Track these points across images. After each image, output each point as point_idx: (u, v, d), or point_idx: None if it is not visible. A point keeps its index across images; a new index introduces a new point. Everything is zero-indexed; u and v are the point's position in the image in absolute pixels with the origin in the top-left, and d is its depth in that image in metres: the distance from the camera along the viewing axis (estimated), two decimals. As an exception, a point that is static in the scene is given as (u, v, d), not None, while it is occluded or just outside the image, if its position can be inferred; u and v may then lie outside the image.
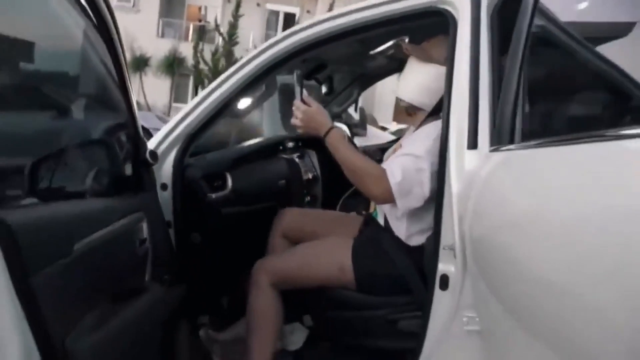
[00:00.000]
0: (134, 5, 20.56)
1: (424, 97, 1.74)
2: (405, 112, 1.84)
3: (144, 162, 1.59)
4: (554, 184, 0.95)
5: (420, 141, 1.63)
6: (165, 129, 1.83)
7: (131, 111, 1.52)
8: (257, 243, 1.99)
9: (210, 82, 16.86)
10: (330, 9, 18.94)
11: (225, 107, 1.81)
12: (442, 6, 1.59)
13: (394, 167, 1.59)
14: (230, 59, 18.59)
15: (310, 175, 2.53)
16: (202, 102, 1.81)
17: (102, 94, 1.56)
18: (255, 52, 1.83)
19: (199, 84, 19.24)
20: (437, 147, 1.52)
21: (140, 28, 19.07)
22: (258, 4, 22.05)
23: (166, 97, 19.91)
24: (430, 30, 1.76)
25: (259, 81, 1.83)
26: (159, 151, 1.74)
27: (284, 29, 22.31)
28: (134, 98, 1.58)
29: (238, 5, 18.59)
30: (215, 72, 18.52)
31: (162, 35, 21.10)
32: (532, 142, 1.22)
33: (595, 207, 0.78)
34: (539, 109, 1.45)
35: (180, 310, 1.56)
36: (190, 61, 19.14)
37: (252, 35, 20.81)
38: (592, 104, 1.35)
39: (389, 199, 1.59)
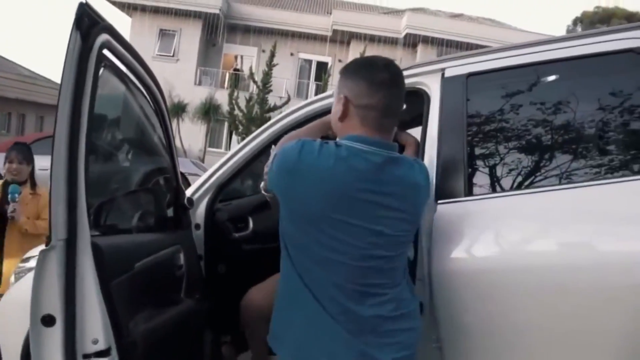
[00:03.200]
0: (173, 55, 21.73)
1: None
2: None
3: (183, 207, 2.03)
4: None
5: None
6: (200, 180, 2.28)
7: (175, 169, 1.98)
8: (271, 275, 2.39)
9: (244, 128, 17.39)
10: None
11: (249, 163, 2.25)
12: (419, 86, 2.02)
13: None
14: (264, 106, 19.32)
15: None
16: (231, 158, 2.25)
17: (157, 156, 2.03)
18: (275, 119, 2.28)
19: (234, 129, 19.96)
20: None
21: (178, 76, 20.10)
22: (291, 54, 23.00)
23: (201, 142, 20.68)
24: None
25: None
26: (195, 197, 2.19)
27: (316, 77, 23.20)
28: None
29: (272, 55, 19.47)
30: (249, 119, 19.23)
31: (199, 83, 22.10)
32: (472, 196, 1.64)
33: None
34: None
35: (206, 323, 1.97)
36: (225, 108, 19.89)
37: (285, 84, 21.67)
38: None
39: None
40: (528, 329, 1.64)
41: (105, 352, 1.22)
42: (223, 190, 2.29)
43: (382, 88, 1.33)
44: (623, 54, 1.73)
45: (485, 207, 1.77)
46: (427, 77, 2.01)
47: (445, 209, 1.75)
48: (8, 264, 3.30)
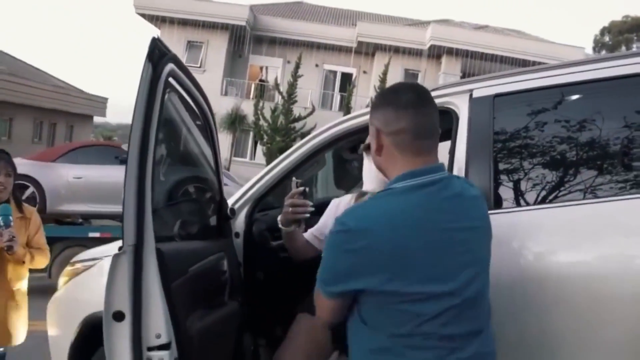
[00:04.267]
0: (200, 66, 22.17)
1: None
2: None
3: (226, 217, 2.19)
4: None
5: None
6: (240, 191, 2.43)
7: (220, 182, 2.14)
8: (307, 283, 2.52)
9: (269, 137, 17.59)
10: (386, 69, 19.81)
11: (285, 177, 2.40)
12: (448, 106, 2.14)
13: None
14: (289, 117, 19.58)
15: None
16: (268, 173, 2.41)
17: (205, 170, 2.19)
18: (309, 137, 2.43)
19: (259, 139, 20.25)
20: None
21: (205, 87, 20.15)
22: (316, 65, 23.27)
23: (227, 151, 21.04)
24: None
25: (311, 159, 2.42)
26: (235, 208, 2.34)
27: (341, 88, 23.42)
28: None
29: (297, 66, 19.74)
30: (274, 129, 19.51)
31: (225, 94, 22.50)
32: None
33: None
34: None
35: (246, 326, 2.12)
36: (250, 118, 20.19)
37: (310, 94, 21.92)
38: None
39: None
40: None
41: (166, 346, 1.38)
42: (261, 201, 2.44)
43: (409, 108, 1.30)
44: (637, 77, 1.84)
45: (510, 220, 1.88)
46: (456, 97, 2.13)
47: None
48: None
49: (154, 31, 22.86)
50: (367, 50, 22.63)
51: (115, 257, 1.33)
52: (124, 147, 8.70)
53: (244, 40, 22.51)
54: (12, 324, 2.75)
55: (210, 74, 21.97)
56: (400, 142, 1.30)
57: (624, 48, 32.28)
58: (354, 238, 1.19)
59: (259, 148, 21.10)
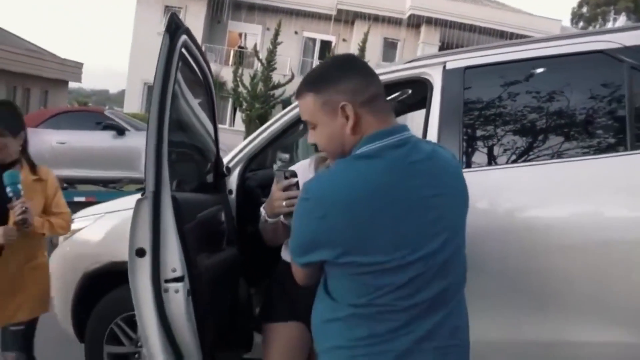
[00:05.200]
0: (179, 32, 21.92)
1: None
2: None
3: (222, 174, 2.41)
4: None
5: None
6: (234, 151, 2.65)
7: (217, 141, 2.36)
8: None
9: (248, 104, 17.59)
10: (365, 38, 19.89)
11: (276, 139, 2.62)
12: (424, 76, 2.37)
13: None
14: (268, 84, 19.56)
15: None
16: (259, 135, 2.62)
17: (206, 130, 2.41)
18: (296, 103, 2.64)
19: (237, 106, 20.22)
20: None
21: (184, 53, 20.37)
22: (296, 32, 23.16)
23: (206, 118, 21.01)
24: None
25: (299, 123, 2.63)
26: (230, 167, 2.56)
27: (320, 56, 23.42)
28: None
29: (277, 33, 19.66)
30: (254, 96, 19.48)
31: (204, 60, 22.32)
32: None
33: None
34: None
35: (241, 272, 2.38)
36: (230, 84, 20.12)
37: (289, 62, 21.89)
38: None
39: None
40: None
41: (180, 279, 1.62)
42: (253, 161, 2.66)
43: (368, 75, 1.26)
44: (595, 54, 2.10)
45: (478, 178, 2.15)
46: (430, 68, 2.36)
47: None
48: (10, 293, 2.28)
49: (130, -6, 22.41)
50: (346, 18, 22.61)
51: (138, 202, 1.56)
52: (107, 113, 8.77)
53: (223, 6, 22.27)
54: (35, 297, 2.41)
55: (188, 39, 21.74)
56: (376, 107, 1.24)
57: (600, 20, 32.73)
58: (314, 207, 1.15)
59: (238, 115, 21.11)
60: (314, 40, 24.07)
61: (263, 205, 1.78)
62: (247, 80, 19.57)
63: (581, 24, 32.10)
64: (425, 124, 2.29)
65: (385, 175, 1.15)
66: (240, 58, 21.79)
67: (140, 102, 21.70)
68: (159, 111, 1.54)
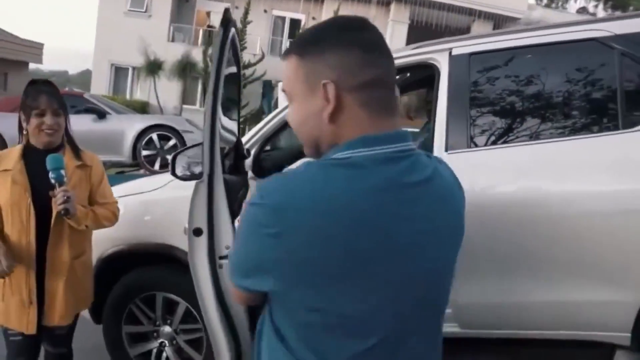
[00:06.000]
0: (146, 11, 21.46)
1: None
2: None
3: (242, 156, 2.55)
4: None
5: None
6: (250, 133, 2.78)
7: (238, 125, 2.49)
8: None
9: None
10: (335, 15, 19.86)
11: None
12: (431, 61, 2.54)
13: None
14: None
15: None
16: (274, 118, 2.76)
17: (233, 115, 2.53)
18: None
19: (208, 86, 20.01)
20: None
21: (151, 33, 19.96)
22: (265, 10, 22.95)
23: (176, 99, 20.74)
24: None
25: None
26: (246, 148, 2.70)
27: (290, 35, 23.32)
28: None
29: (246, 12, 19.48)
30: (224, 76, 19.37)
31: (173, 40, 21.97)
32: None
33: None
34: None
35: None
36: (200, 65, 19.90)
37: (259, 41, 21.74)
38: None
39: None
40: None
41: (232, 255, 1.78)
42: (268, 142, 2.80)
43: (376, 51, 0.91)
44: (588, 42, 2.30)
45: (483, 157, 2.35)
46: (437, 54, 2.53)
47: (453, 157, 2.32)
48: (52, 281, 2.12)
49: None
50: (316, -5, 22.51)
51: (196, 185, 1.70)
52: (87, 96, 8.68)
53: (191, -17, 21.87)
54: (86, 294, 2.33)
55: (156, 19, 21.34)
56: (371, 98, 0.90)
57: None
58: (267, 219, 0.83)
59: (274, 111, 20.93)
60: (283, 18, 23.89)
61: None
62: (217, 59, 19.35)
63: (545, 1, 32.66)
64: (434, 107, 2.47)
65: (373, 197, 0.84)
66: (210, 38, 21.45)
67: (107, 84, 21.26)
68: (213, 100, 1.68)
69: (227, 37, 1.71)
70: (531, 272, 2.26)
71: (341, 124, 0.90)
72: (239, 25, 19.36)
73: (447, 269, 0.99)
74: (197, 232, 1.70)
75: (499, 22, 21.79)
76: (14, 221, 2.04)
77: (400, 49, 2.75)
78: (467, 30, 22.07)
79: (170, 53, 19.28)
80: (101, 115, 7.91)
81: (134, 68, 21.16)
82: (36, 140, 2.10)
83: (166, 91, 19.15)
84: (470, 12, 21.06)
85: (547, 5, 30.29)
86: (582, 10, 32.13)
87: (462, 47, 2.48)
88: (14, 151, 2.14)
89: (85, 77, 34.76)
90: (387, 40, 0.90)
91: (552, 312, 2.26)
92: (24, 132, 2.14)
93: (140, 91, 21.36)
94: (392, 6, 21.90)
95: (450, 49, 2.50)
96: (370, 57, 0.90)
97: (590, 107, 2.36)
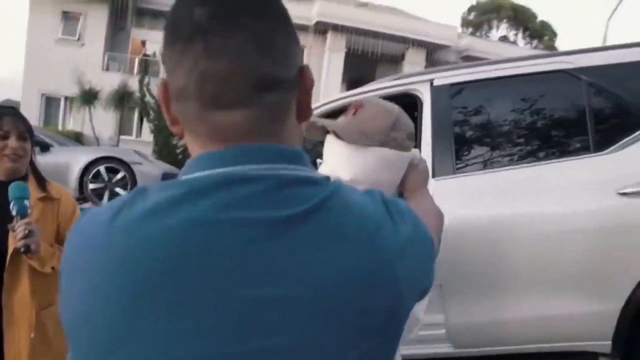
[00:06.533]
0: (79, 39, 20.86)
1: None
2: None
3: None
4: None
5: None
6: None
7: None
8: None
9: (156, 114, 17.11)
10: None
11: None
12: (413, 92, 2.67)
13: None
14: (177, 92, 19.14)
15: None
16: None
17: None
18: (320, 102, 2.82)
19: (145, 116, 19.56)
20: None
21: (85, 61, 19.39)
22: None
23: (111, 129, 20.13)
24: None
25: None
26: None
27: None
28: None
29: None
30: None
31: (107, 69, 21.45)
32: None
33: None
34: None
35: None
36: (137, 94, 19.47)
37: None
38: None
39: None
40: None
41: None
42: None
43: (190, 43, 0.57)
44: (557, 73, 2.51)
45: (466, 181, 2.49)
46: (419, 85, 2.67)
47: (440, 183, 2.44)
48: (13, 338, 1.71)
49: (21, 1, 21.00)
50: (254, 25, 22.69)
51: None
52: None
53: (126, 12, 21.50)
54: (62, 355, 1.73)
55: (89, 47, 20.75)
56: (185, 115, 0.61)
57: (486, 26, 35.38)
58: (62, 266, 0.60)
59: (145, 125, 20.50)
60: (220, 47, 23.90)
61: None
62: (153, 89, 19.03)
63: (470, 29, 34.43)
64: (418, 134, 2.60)
65: (173, 241, 0.54)
66: (146, 67, 21.07)
67: (38, 114, 20.35)
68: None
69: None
70: (517, 290, 2.40)
71: (184, 132, 0.64)
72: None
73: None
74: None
75: (431, 50, 22.80)
76: None
77: (383, 80, 2.87)
78: (401, 57, 22.94)
79: (106, 82, 18.78)
80: (44, 147, 7.58)
81: (66, 98, 20.43)
82: None
83: (101, 121, 18.50)
84: (404, 40, 21.95)
85: (472, 34, 31.92)
86: (504, 38, 34.13)
87: (443, 77, 2.64)
88: None
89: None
90: (325, 68, 0.90)
91: (540, 326, 2.39)
92: None
93: (73, 121, 20.60)
94: (329, 35, 22.44)
95: (432, 79, 2.65)
96: (179, 52, 0.59)
97: (561, 131, 2.56)
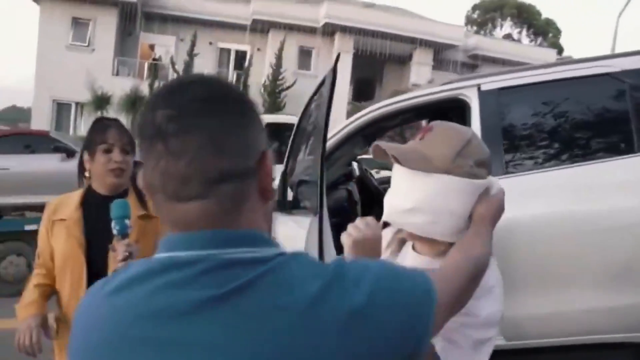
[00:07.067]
0: (88, 45, 21.06)
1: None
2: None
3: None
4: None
5: None
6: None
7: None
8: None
9: None
10: (281, 47, 20.37)
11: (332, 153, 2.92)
12: (461, 97, 2.80)
13: None
14: (187, 96, 19.31)
15: (356, 199, 3.68)
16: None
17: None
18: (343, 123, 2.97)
19: (155, 119, 19.67)
20: None
21: (95, 67, 19.60)
22: (210, 43, 23.06)
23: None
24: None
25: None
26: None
27: (235, 66, 23.49)
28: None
29: (193, 44, 19.65)
30: (173, 109, 19.14)
31: (117, 74, 21.66)
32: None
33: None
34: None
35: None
36: (146, 99, 19.61)
37: (205, 73, 21.75)
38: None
39: None
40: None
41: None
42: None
43: (155, 140, 0.67)
44: (602, 77, 2.63)
45: (516, 182, 2.61)
46: (466, 89, 2.79)
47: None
48: None
49: (32, 7, 21.19)
50: (261, 28, 22.87)
51: (310, 221, 1.85)
52: (53, 135, 8.45)
53: (135, 17, 21.71)
54: None
55: (99, 53, 20.98)
56: (155, 204, 0.71)
57: (490, 25, 35.48)
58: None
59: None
60: (228, 50, 24.08)
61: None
62: (164, 93, 19.20)
63: (474, 28, 34.51)
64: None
65: (110, 324, 0.67)
66: (155, 71, 21.27)
67: (49, 120, 20.57)
68: (323, 143, 1.84)
69: (334, 89, 1.89)
70: (567, 283, 2.52)
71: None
72: (186, 57, 19.56)
73: None
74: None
75: (439, 49, 22.92)
76: (65, 278, 1.79)
77: (431, 86, 3.00)
78: (409, 57, 23.05)
79: (117, 87, 19.00)
80: (70, 153, 7.72)
81: (77, 103, 20.65)
82: (100, 183, 1.84)
83: (112, 126, 18.67)
84: (412, 41, 22.09)
85: (477, 32, 32.01)
86: (508, 36, 34.23)
87: (490, 82, 2.76)
88: (73, 197, 1.88)
89: (10, 114, 33.20)
90: None
91: (589, 317, 2.52)
92: (86, 175, 1.88)
93: (84, 127, 20.81)
94: (337, 36, 22.59)
95: (479, 84, 2.77)
96: (143, 152, 0.70)
97: (606, 132, 2.67)
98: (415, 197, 1.12)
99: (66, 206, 1.84)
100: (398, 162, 1.14)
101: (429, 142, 1.15)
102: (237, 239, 0.68)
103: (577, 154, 2.65)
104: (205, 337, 0.62)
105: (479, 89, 2.77)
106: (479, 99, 2.74)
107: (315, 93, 2.64)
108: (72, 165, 7.23)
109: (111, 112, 18.66)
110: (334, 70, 1.90)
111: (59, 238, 1.80)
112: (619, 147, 2.64)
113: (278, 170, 2.87)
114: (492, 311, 1.11)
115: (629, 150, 2.56)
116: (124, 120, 19.23)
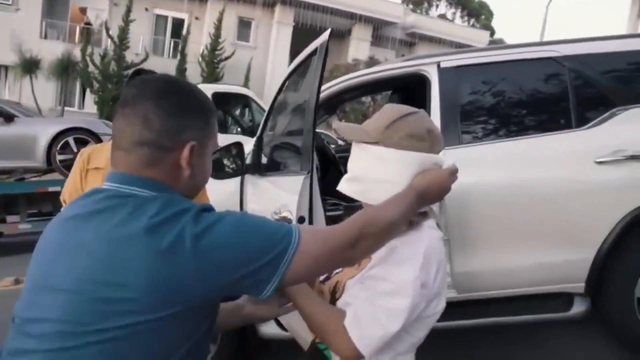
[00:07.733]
0: (12, 4, 19.78)
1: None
2: None
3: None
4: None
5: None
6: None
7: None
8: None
9: (100, 85, 16.50)
10: (220, 16, 19.94)
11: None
12: (422, 72, 3.05)
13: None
14: (121, 63, 18.71)
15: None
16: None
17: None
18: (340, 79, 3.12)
19: (88, 87, 18.94)
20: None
21: (20, 28, 18.48)
22: (146, 9, 22.23)
23: (51, 100, 19.39)
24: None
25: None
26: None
27: (173, 34, 22.81)
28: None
29: (129, 10, 18.85)
30: (106, 76, 18.46)
31: (45, 37, 20.55)
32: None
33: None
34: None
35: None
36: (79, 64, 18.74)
37: (141, 40, 21.05)
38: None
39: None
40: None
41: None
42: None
43: (119, 107, 1.00)
44: (547, 60, 2.95)
45: (470, 151, 2.91)
46: (427, 66, 3.04)
47: (448, 152, 2.84)
48: None
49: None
50: (200, -5, 22.29)
51: (303, 179, 2.04)
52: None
53: (65, -22, 20.53)
54: None
55: (25, 13, 19.73)
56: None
57: (426, 5, 36.20)
58: None
59: (89, 96, 19.86)
60: (165, 17, 23.32)
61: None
62: (97, 59, 18.47)
63: (410, 5, 35.09)
64: (427, 109, 2.98)
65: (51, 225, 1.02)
66: (88, 35, 20.26)
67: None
68: (315, 108, 2.02)
69: (324, 65, 2.05)
70: (511, 243, 2.85)
71: None
72: (121, 23, 18.75)
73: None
74: (301, 220, 2.02)
75: (378, 26, 23.26)
76: None
77: (395, 61, 3.23)
78: (348, 32, 23.26)
79: (45, 50, 18.02)
80: (8, 118, 7.42)
81: (0, 66, 19.44)
82: None
83: (39, 92, 17.77)
84: (352, 16, 22.30)
85: (413, 11, 32.62)
86: (442, 16, 35.09)
87: (449, 60, 3.03)
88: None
89: None
90: (273, 42, 1.07)
91: (529, 272, 2.87)
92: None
93: (9, 92, 19.66)
94: (277, 8, 22.41)
95: (439, 62, 3.03)
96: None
97: (548, 109, 3.02)
98: (352, 166, 1.24)
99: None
100: (340, 135, 1.27)
101: (371, 118, 1.25)
102: (134, 181, 0.96)
103: (523, 129, 2.97)
104: (78, 238, 0.92)
105: (438, 66, 3.02)
106: (438, 75, 3.00)
107: (294, 70, 2.79)
108: (11, 129, 6.98)
109: (41, 77, 17.79)
110: (326, 48, 2.07)
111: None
112: (559, 123, 2.98)
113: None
114: (404, 279, 1.09)
115: (567, 126, 2.91)
116: (51, 85, 18.37)
